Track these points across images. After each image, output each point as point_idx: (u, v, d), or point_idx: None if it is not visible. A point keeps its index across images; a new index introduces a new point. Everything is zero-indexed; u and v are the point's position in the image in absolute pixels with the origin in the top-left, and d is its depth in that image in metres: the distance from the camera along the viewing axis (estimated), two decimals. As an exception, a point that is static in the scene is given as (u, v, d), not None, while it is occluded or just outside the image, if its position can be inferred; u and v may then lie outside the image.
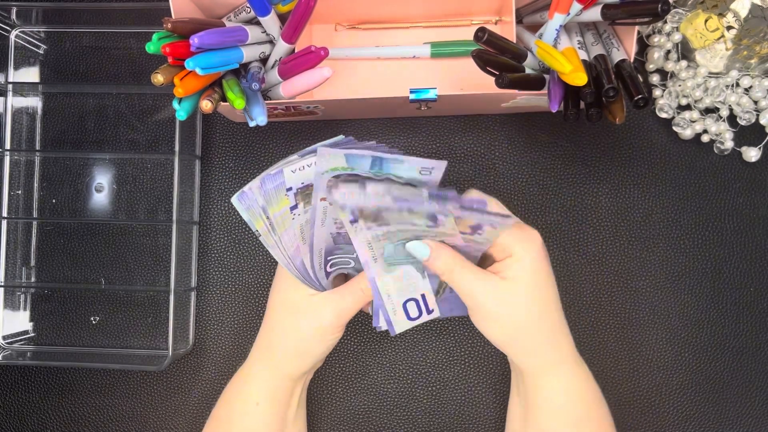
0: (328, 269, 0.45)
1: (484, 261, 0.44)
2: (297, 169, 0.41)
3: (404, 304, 0.44)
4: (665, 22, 0.52)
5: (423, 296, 0.45)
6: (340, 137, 0.42)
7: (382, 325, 0.45)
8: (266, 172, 0.41)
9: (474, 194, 0.44)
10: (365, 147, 0.41)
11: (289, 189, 0.41)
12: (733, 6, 0.51)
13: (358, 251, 0.42)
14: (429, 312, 0.45)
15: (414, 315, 0.45)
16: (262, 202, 0.41)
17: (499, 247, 0.42)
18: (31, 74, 0.57)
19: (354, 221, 0.40)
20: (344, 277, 0.48)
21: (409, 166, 0.39)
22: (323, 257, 0.44)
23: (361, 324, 0.54)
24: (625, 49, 0.46)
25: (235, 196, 0.41)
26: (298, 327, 0.44)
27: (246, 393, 0.46)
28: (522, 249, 0.41)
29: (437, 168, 0.40)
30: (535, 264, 0.41)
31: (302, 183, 0.41)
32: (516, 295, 0.41)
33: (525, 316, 0.41)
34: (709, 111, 0.53)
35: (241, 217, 0.55)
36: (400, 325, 0.45)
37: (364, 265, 0.42)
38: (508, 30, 0.49)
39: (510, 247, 0.41)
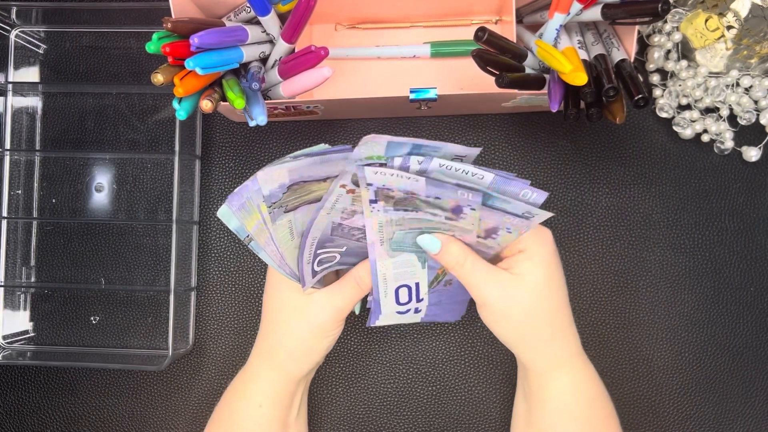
0: (316, 267, 0.45)
1: (492, 257, 0.44)
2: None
3: (397, 289, 0.45)
4: (665, 21, 0.52)
5: (417, 284, 0.45)
6: (322, 146, 0.41)
7: (375, 318, 0.46)
8: (268, 165, 0.40)
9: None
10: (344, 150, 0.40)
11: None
12: (733, 6, 0.51)
13: (367, 231, 0.41)
14: (419, 300, 0.46)
15: (404, 300, 0.45)
16: (266, 191, 0.40)
17: (510, 243, 0.42)
18: (31, 74, 0.57)
19: (374, 201, 0.40)
20: (336, 275, 0.48)
21: (444, 152, 0.40)
22: (314, 248, 0.44)
23: (361, 324, 0.54)
24: (625, 49, 0.46)
25: (223, 206, 0.39)
26: (297, 327, 0.44)
27: (248, 395, 0.46)
28: (534, 245, 0.41)
29: (470, 155, 0.41)
30: (547, 261, 0.41)
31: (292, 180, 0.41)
32: (526, 292, 0.41)
33: (534, 313, 0.41)
34: (709, 111, 0.53)
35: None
36: (387, 307, 0.45)
37: (369, 246, 0.42)
38: (508, 30, 0.49)
39: (521, 243, 0.41)
